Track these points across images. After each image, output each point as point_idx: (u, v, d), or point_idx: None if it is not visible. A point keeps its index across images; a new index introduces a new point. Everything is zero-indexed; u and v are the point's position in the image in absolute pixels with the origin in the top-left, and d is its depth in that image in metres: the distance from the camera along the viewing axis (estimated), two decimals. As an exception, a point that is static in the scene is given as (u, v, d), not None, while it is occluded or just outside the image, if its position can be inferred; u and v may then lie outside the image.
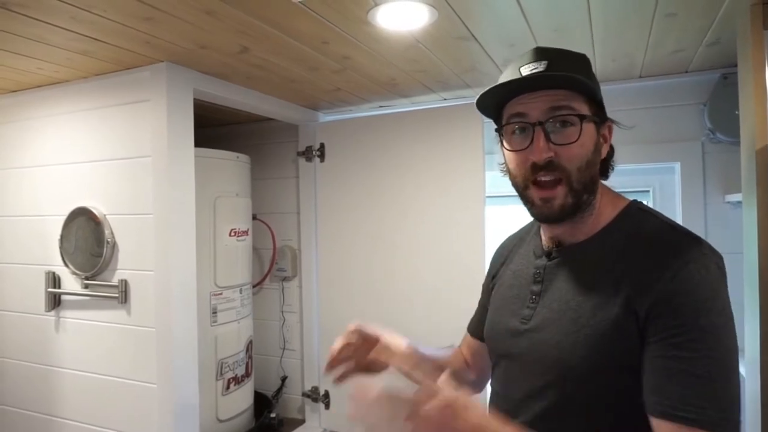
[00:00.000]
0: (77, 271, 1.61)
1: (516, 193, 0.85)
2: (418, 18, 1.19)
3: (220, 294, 1.87)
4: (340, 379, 0.96)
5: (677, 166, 1.75)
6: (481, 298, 1.09)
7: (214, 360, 1.84)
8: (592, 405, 0.75)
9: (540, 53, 0.80)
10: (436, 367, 0.94)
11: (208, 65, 1.52)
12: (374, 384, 0.78)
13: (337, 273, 2.11)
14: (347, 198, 2.08)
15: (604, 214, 0.83)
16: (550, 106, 0.76)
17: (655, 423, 0.69)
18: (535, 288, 0.86)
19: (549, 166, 0.76)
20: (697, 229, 0.78)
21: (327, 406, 2.13)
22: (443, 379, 0.76)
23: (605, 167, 0.86)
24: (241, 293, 1.96)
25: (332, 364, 0.95)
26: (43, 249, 1.69)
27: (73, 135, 1.64)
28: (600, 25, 1.28)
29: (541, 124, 0.76)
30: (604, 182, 0.87)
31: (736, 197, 1.60)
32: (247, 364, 1.99)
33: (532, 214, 0.83)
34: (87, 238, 1.58)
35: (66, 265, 1.63)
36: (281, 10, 1.13)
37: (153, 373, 1.49)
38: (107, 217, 1.56)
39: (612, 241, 0.80)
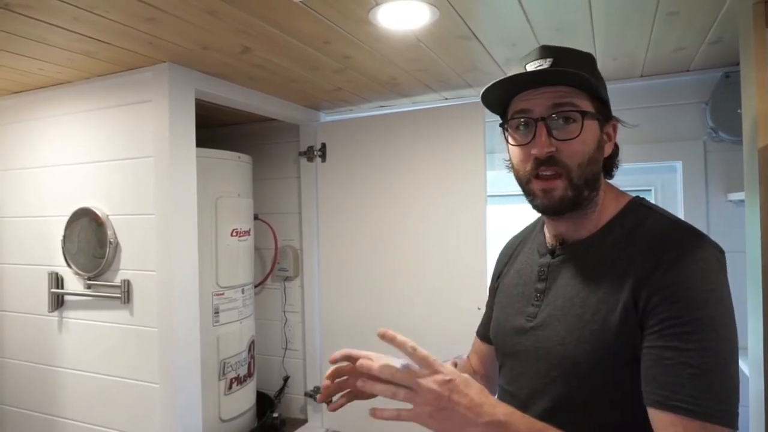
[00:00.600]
0: (80, 272, 1.61)
1: (518, 192, 0.86)
2: (419, 17, 1.19)
3: (222, 294, 1.87)
4: (335, 408, 0.92)
5: (679, 165, 1.75)
6: (488, 301, 1.09)
7: (217, 360, 1.84)
8: (598, 401, 0.76)
9: (546, 51, 0.81)
10: None
11: (210, 65, 1.52)
12: (379, 357, 0.79)
13: (338, 272, 2.11)
14: (349, 198, 2.08)
15: (607, 210, 0.83)
16: (552, 102, 0.78)
17: (652, 413, 0.69)
18: (540, 286, 0.87)
19: (550, 161, 0.78)
20: (700, 228, 0.78)
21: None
22: (447, 365, 0.76)
23: (610, 165, 0.86)
24: (243, 293, 1.97)
25: (326, 393, 0.92)
26: (46, 250, 1.70)
27: (76, 136, 1.64)
28: (601, 24, 1.28)
29: (543, 119, 0.78)
30: (609, 181, 0.87)
31: (738, 196, 1.59)
32: (249, 364, 2.00)
33: (534, 207, 0.84)
34: (89, 239, 1.59)
35: (69, 265, 1.64)
36: (283, 10, 1.14)
37: (155, 373, 1.49)
38: (110, 217, 1.57)
39: (614, 237, 0.80)
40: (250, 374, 2.00)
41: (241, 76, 1.63)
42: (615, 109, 0.86)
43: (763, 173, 1.10)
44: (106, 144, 1.58)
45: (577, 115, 0.77)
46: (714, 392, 0.66)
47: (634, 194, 0.87)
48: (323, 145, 2.14)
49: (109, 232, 1.55)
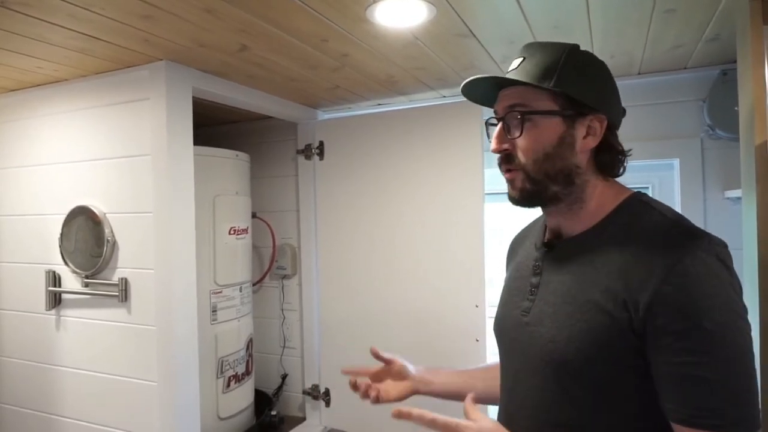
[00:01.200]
0: (77, 270, 1.61)
1: None
2: (416, 15, 1.19)
3: (220, 292, 1.87)
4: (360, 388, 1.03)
5: (676, 162, 1.76)
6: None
7: (215, 358, 1.84)
8: (593, 402, 0.75)
9: (523, 49, 0.84)
10: (481, 377, 1.05)
11: (208, 63, 1.51)
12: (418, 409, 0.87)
13: (336, 270, 2.11)
14: (346, 196, 2.08)
15: (604, 205, 0.83)
16: (509, 103, 0.82)
17: (677, 429, 0.69)
18: (534, 280, 0.86)
19: (508, 158, 0.82)
20: (697, 225, 0.77)
21: (327, 403, 2.13)
22: (468, 403, 0.83)
23: (606, 161, 0.85)
24: (241, 291, 1.97)
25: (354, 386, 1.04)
26: (44, 248, 1.69)
27: (73, 134, 1.64)
28: (599, 22, 1.28)
29: (502, 119, 0.82)
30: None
31: (735, 193, 1.60)
32: (247, 362, 2.00)
33: (508, 199, 0.88)
34: (87, 237, 1.58)
35: (66, 263, 1.63)
36: (280, 8, 1.13)
37: (153, 371, 1.49)
38: (107, 215, 1.56)
39: (609, 233, 0.79)
40: (248, 372, 2.01)
41: (238, 74, 1.63)
42: (613, 107, 0.86)
43: (760, 170, 1.10)
44: (104, 142, 1.58)
45: (523, 115, 0.79)
46: (735, 400, 0.65)
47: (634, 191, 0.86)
48: (321, 143, 2.14)
49: (107, 231, 1.55)
